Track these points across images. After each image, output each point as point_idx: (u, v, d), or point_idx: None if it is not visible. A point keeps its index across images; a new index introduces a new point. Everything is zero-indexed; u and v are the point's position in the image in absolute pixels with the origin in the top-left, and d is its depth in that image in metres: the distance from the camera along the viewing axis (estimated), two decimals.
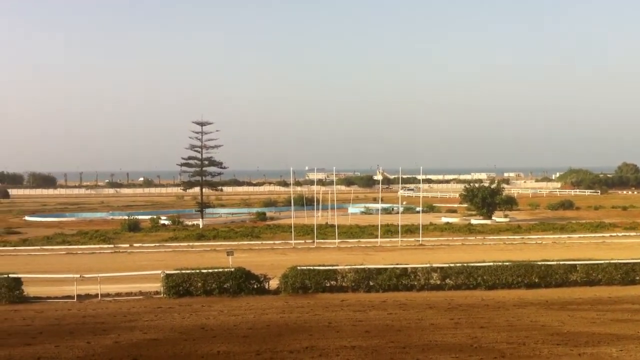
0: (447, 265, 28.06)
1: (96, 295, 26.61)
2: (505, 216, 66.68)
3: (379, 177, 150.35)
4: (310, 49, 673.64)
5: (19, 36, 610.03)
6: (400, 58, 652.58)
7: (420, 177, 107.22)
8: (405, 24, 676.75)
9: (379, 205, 68.02)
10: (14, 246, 47.23)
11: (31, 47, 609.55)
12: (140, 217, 66.76)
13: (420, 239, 47.91)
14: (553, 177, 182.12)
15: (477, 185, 70.19)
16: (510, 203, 70.32)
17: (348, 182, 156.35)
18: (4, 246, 47.17)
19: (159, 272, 27.38)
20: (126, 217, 65.06)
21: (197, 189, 71.59)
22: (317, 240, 47.47)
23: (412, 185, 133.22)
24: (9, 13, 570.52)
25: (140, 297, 26.74)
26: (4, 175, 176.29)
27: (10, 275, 26.33)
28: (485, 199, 64.64)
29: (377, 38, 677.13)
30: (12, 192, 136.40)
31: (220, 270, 27.07)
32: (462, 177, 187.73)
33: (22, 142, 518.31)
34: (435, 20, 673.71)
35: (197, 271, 26.84)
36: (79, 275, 27.67)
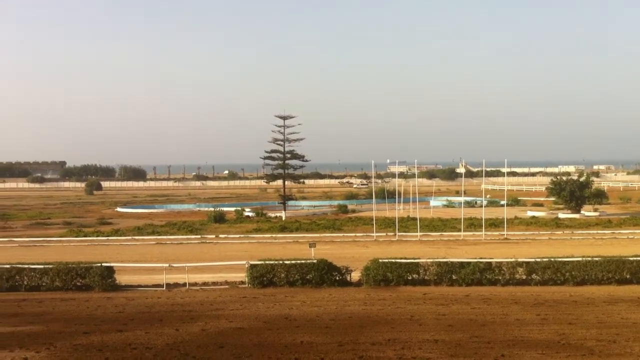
0: (533, 260, 27.37)
1: (184, 284, 27.45)
2: (595, 210, 64.33)
3: (461, 169, 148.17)
4: (394, 51, 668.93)
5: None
6: (483, 50, 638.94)
7: (504, 169, 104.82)
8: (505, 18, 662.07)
9: (462, 199, 66.93)
10: (107, 236, 49.25)
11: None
12: (225, 209, 68.27)
13: (505, 232, 46.86)
14: None
15: (564, 178, 68.01)
16: (600, 196, 67.75)
17: (430, 175, 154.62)
18: (97, 236, 49.28)
19: (244, 262, 27.96)
20: (212, 209, 66.63)
21: (279, 182, 72.54)
22: (399, 233, 47.21)
23: (365, 180, 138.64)
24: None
25: (226, 286, 27.40)
26: (97, 168, 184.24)
27: (103, 264, 27.44)
28: (574, 193, 62.51)
29: (456, 35, 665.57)
30: (105, 184, 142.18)
31: (303, 261, 27.39)
32: (549, 169, 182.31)
33: (114, 138, 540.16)
34: (542, 19, 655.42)
35: (281, 262, 27.25)
36: (168, 265, 28.62)
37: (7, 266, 27.38)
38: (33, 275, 27.16)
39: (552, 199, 70.19)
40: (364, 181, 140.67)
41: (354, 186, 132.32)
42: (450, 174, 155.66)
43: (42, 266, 27.39)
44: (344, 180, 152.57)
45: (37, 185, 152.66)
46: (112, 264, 28.07)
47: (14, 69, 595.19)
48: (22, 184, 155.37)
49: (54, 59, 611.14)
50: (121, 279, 27.72)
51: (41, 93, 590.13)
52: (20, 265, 27.57)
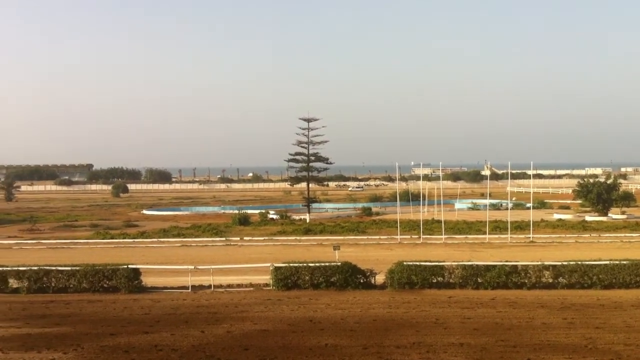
0: (559, 263, 27.08)
1: (209, 286, 27.59)
2: (623, 213, 63.51)
3: (486, 172, 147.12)
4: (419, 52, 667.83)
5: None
6: (508, 53, 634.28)
7: (530, 172, 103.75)
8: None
9: (487, 201, 66.44)
10: (133, 238, 49.72)
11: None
12: (249, 211, 68.61)
13: (531, 235, 46.44)
14: None
15: (591, 180, 67.27)
16: (628, 199, 66.91)
17: (454, 177, 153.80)
18: (123, 238, 49.77)
19: (268, 265, 28.05)
20: (236, 212, 66.97)
21: (303, 184, 72.63)
22: (423, 236, 47.00)
23: (361, 183, 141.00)
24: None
25: (251, 288, 27.49)
26: (123, 171, 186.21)
27: (129, 266, 27.67)
28: (601, 195, 61.82)
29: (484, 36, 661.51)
30: (131, 187, 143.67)
31: (327, 264, 27.38)
32: (575, 172, 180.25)
33: (141, 141, 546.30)
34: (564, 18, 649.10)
35: (305, 265, 27.26)
36: (193, 267, 28.77)
37: (35, 268, 27.72)
38: (61, 277, 27.44)
39: (579, 201, 69.50)
40: (361, 184, 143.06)
41: (349, 189, 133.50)
42: (475, 177, 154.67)
43: (69, 268, 27.69)
44: (341, 183, 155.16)
45: (64, 188, 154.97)
46: (138, 266, 28.27)
47: (39, 71, 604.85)
48: (50, 186, 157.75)
49: (84, 61, 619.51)
50: (147, 280, 27.92)
51: (68, 96, 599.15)
52: (48, 267, 27.89)
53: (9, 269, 27.87)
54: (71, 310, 23.88)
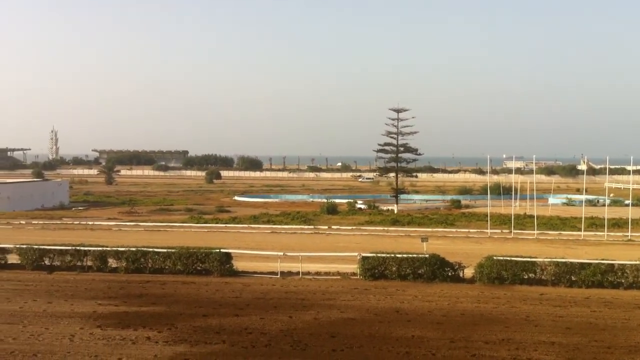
0: None
1: (297, 273, 28.05)
2: None
3: (583, 166, 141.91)
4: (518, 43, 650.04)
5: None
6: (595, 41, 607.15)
7: (630, 167, 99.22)
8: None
9: (583, 197, 64.13)
10: (225, 223, 51.00)
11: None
12: (337, 200, 68.93)
13: (629, 234, 44.46)
14: None
15: None
16: None
17: (548, 171, 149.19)
18: (216, 223, 51.16)
19: (356, 254, 28.21)
20: (325, 200, 67.47)
21: (392, 175, 72.33)
22: (514, 231, 45.91)
23: (371, 175, 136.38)
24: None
25: (338, 277, 27.75)
26: (216, 158, 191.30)
27: (222, 250, 28.51)
28: None
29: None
30: (224, 173, 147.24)
31: (415, 255, 27.27)
32: None
33: (232, 129, 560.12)
34: None
35: (392, 255, 27.26)
36: (282, 253, 29.24)
37: (133, 249, 28.98)
38: (157, 259, 28.63)
39: None
40: (370, 175, 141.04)
41: (359, 180, 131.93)
42: (571, 171, 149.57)
43: (165, 250, 28.80)
44: (357, 174, 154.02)
45: (161, 173, 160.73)
46: (230, 250, 29.03)
47: (145, 68, 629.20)
48: (148, 171, 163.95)
49: (181, 57, 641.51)
50: (238, 265, 28.63)
51: (169, 88, 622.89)
52: (145, 249, 29.11)
53: (109, 249, 29.27)
54: (166, 290, 24.86)
